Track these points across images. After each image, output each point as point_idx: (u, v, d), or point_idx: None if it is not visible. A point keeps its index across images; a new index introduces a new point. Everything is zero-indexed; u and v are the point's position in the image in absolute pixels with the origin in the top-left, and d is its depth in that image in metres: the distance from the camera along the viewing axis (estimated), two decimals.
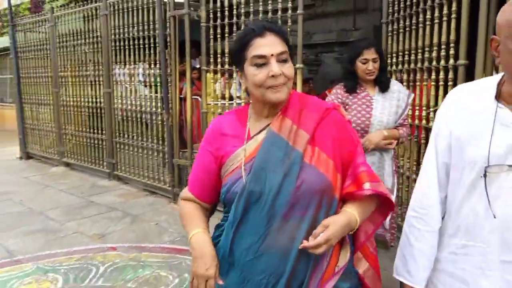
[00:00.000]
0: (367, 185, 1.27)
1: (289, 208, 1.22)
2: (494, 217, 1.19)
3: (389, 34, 3.97)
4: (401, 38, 3.78)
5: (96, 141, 6.57)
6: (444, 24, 3.14)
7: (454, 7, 3.01)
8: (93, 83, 6.46)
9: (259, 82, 1.23)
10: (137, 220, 4.55)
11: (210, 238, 1.34)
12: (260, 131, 1.32)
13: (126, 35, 5.67)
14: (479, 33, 2.85)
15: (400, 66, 3.78)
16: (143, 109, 5.67)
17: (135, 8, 5.44)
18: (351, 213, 1.26)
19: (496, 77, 1.27)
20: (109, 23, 5.91)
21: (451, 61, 3.10)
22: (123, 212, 4.79)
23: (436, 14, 3.22)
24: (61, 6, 8.70)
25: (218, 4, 4.46)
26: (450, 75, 3.11)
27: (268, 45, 1.23)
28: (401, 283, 1.42)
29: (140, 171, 5.76)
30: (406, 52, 3.69)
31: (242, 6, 4.42)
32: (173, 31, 4.85)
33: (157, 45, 5.16)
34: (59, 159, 7.36)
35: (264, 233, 1.23)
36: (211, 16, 4.57)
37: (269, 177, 1.24)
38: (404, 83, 3.55)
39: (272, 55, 1.22)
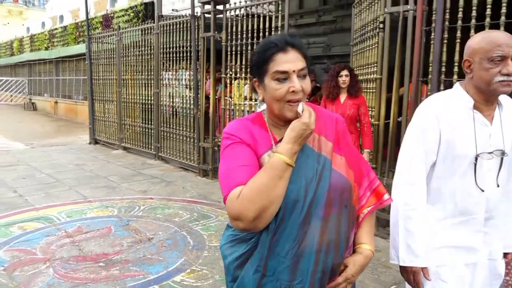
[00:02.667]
0: (386, 196, 1.42)
1: (323, 210, 1.26)
2: (482, 191, 1.60)
3: (354, 53, 5.40)
4: (358, 57, 5.20)
5: (146, 130, 8.46)
6: (374, 50, 4.54)
7: (378, 39, 4.41)
8: (146, 84, 8.35)
9: (279, 97, 1.25)
10: (170, 184, 6.29)
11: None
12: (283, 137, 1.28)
13: (171, 49, 7.46)
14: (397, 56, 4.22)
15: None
16: (182, 105, 7.44)
17: (178, 29, 7.22)
18: (367, 251, 1.37)
19: (457, 89, 1.66)
20: (159, 39, 7.76)
21: (375, 75, 4.50)
22: (161, 180, 6.57)
23: (372, 41, 4.62)
24: (126, 21, 10.83)
25: (234, 29, 6.10)
26: (373, 84, 4.51)
27: (290, 61, 1.24)
28: (402, 269, 1.68)
29: (177, 152, 7.53)
30: (361, 67, 5.10)
31: (255, 30, 6.01)
32: (203, 48, 6.56)
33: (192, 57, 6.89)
34: (119, 144, 9.37)
35: (300, 238, 1.25)
36: (228, 37, 6.21)
37: (306, 180, 1.26)
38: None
39: (293, 71, 1.24)
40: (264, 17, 5.71)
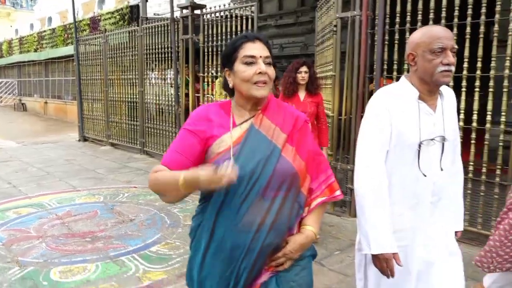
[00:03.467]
0: (338, 192, 1.57)
1: (264, 190, 1.40)
2: (425, 176, 1.72)
3: (316, 53, 5.97)
4: (320, 57, 5.77)
5: (132, 126, 8.97)
6: (331, 51, 5.09)
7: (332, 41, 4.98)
8: (131, 84, 8.85)
9: (247, 77, 1.41)
10: None
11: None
12: (243, 121, 1.48)
13: (154, 50, 7.97)
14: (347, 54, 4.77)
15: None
16: (165, 102, 7.96)
17: (160, 32, 7.74)
18: (309, 231, 1.49)
19: (403, 82, 1.78)
20: (142, 41, 8.27)
21: (331, 72, 5.06)
22: (145, 171, 7.09)
23: (328, 42, 5.19)
24: (112, 23, 11.31)
25: (210, 31, 6.64)
26: (329, 81, 5.08)
27: (257, 48, 1.43)
28: (374, 258, 1.70)
29: (160, 147, 8.06)
30: (321, 66, 5.67)
31: (228, 33, 6.55)
32: (182, 49, 7.09)
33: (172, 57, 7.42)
34: (107, 140, 9.86)
35: (243, 212, 1.38)
36: (206, 39, 6.75)
37: (252, 163, 1.40)
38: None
39: (260, 56, 1.42)
40: (239, 18, 6.22)
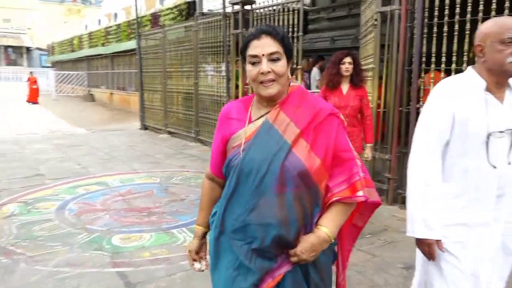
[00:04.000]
0: (360, 193, 1.44)
1: (273, 185, 1.39)
2: (495, 168, 1.68)
3: (361, 46, 6.13)
4: (362, 50, 5.93)
5: (187, 116, 9.59)
6: (372, 44, 5.25)
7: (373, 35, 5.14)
8: (186, 76, 9.45)
9: (251, 77, 1.42)
10: (205, 161, 7.34)
11: (199, 241, 1.67)
12: (259, 117, 1.48)
13: (207, 44, 8.48)
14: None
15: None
16: (218, 93, 8.45)
17: (213, 27, 8.22)
18: (321, 231, 1.43)
19: (470, 73, 1.75)
20: (197, 36, 8.80)
21: (372, 65, 5.23)
22: (197, 158, 7.64)
23: (370, 36, 5.34)
24: (171, 19, 12.00)
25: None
26: (370, 73, 5.25)
27: (261, 46, 1.39)
28: (418, 241, 1.75)
29: (212, 136, 8.55)
30: (364, 59, 5.83)
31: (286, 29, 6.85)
32: (233, 43, 7.51)
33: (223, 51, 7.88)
34: (164, 128, 10.59)
35: (251, 206, 1.40)
36: None
37: (260, 158, 1.40)
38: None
39: (263, 54, 1.39)
40: (290, 12, 6.46)
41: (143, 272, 3.22)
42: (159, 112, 10.92)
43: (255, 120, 1.49)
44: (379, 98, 5.12)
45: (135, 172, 6.54)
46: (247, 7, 7.24)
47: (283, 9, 6.63)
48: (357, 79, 4.02)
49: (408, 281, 2.67)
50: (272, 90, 1.41)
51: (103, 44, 19.73)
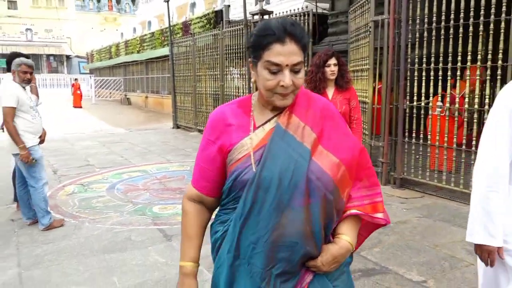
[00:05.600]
0: (380, 215, 1.34)
1: (296, 198, 1.21)
2: None
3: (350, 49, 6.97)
4: (354, 53, 6.77)
5: None
6: (366, 47, 6.09)
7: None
8: (214, 79, 10.51)
9: (269, 88, 1.22)
10: None
11: (196, 281, 1.35)
12: (266, 121, 1.30)
13: (232, 50, 9.50)
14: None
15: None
16: (240, 94, 9.45)
17: (236, 35, 9.23)
18: (344, 241, 1.29)
19: None
20: (223, 43, 9.85)
21: (367, 66, 6.07)
22: None
23: (365, 41, 6.18)
24: (200, 27, 13.13)
25: None
26: (365, 73, 6.09)
27: (285, 54, 1.18)
28: (477, 247, 1.68)
29: None
30: (356, 60, 6.67)
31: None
32: None
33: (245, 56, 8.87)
34: (195, 127, 11.71)
35: (273, 225, 1.21)
36: None
37: (280, 168, 1.22)
38: None
39: (287, 65, 1.19)
40: (307, 16, 7.42)
41: (177, 229, 4.22)
42: (190, 112, 12.05)
43: (261, 125, 1.30)
44: (379, 94, 5.92)
45: (169, 162, 7.62)
46: (266, 16, 8.20)
47: (305, 13, 7.55)
48: (342, 82, 3.69)
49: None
50: (288, 101, 1.26)
51: (138, 51, 21.19)
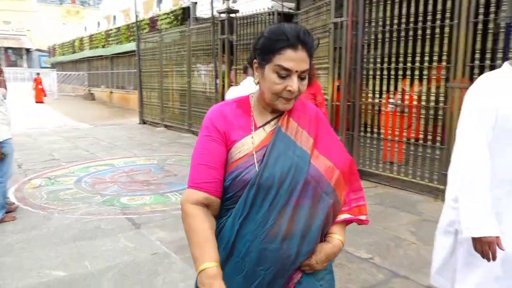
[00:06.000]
0: (364, 217, 1.41)
1: (294, 199, 1.25)
2: None
3: None
4: None
5: (181, 110, 10.78)
6: (326, 47, 6.45)
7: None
8: (180, 75, 10.64)
9: (275, 92, 1.25)
10: None
11: (222, 279, 1.21)
12: (266, 122, 1.33)
13: (199, 47, 9.67)
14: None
15: None
16: (207, 90, 9.66)
17: (203, 32, 9.42)
18: (336, 240, 1.34)
19: (508, 67, 1.78)
20: (190, 40, 10.00)
21: (327, 64, 6.43)
22: (190, 145, 8.83)
23: (324, 40, 6.54)
24: (167, 23, 13.19)
25: (243, 31, 8.19)
26: (325, 71, 6.46)
27: (296, 60, 1.21)
28: (476, 241, 1.68)
29: None
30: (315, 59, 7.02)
31: (257, 32, 8.05)
32: (220, 47, 8.71)
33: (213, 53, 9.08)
34: (161, 122, 11.80)
35: (271, 225, 1.24)
36: (239, 38, 8.32)
37: (282, 170, 1.25)
38: None
39: (296, 71, 1.23)
40: (272, 16, 7.71)
41: (145, 218, 4.42)
42: (157, 107, 12.11)
43: (261, 127, 1.33)
44: (338, 91, 6.28)
45: (136, 156, 7.74)
46: (232, 15, 8.43)
47: (262, 16, 7.84)
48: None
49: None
50: (290, 105, 1.30)
51: (103, 46, 20.89)
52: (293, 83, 1.23)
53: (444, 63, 4.88)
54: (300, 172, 1.27)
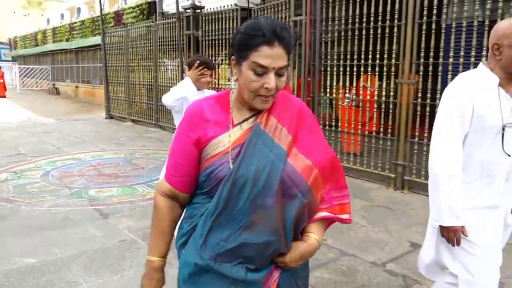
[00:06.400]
0: (347, 216, 1.40)
1: (268, 197, 1.23)
2: (509, 156, 1.84)
3: None
4: None
5: (148, 105, 10.87)
6: None
7: None
8: (147, 70, 10.72)
9: (252, 89, 1.22)
10: (162, 142, 8.71)
11: (163, 274, 1.38)
12: (244, 120, 1.31)
13: (165, 42, 9.78)
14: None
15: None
16: (174, 84, 9.77)
17: (169, 28, 9.54)
18: (312, 239, 1.33)
19: (482, 68, 1.88)
20: (156, 35, 10.09)
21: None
22: (156, 139, 8.99)
23: None
24: (133, 17, 13.17)
25: (208, 27, 8.39)
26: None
27: (272, 57, 1.18)
28: (443, 229, 1.86)
29: (171, 121, 9.91)
30: None
31: (226, 29, 8.26)
32: (186, 43, 8.87)
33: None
34: (128, 117, 11.83)
35: (244, 224, 1.23)
36: (205, 34, 8.51)
37: (256, 167, 1.23)
38: None
39: (273, 68, 1.19)
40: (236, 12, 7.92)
41: (113, 208, 4.60)
42: (123, 102, 12.13)
43: (239, 123, 1.31)
44: (299, 87, 6.61)
45: (103, 150, 7.84)
46: (198, 11, 8.60)
47: (227, 12, 8.06)
48: None
49: None
50: (268, 104, 1.29)
51: (67, 39, 20.48)
52: (270, 81, 1.21)
53: (393, 61, 5.27)
54: (275, 170, 1.25)
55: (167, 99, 3.49)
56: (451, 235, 1.84)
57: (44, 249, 3.55)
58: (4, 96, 20.23)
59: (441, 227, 1.87)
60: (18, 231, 3.94)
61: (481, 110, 1.80)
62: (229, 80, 8.53)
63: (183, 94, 3.39)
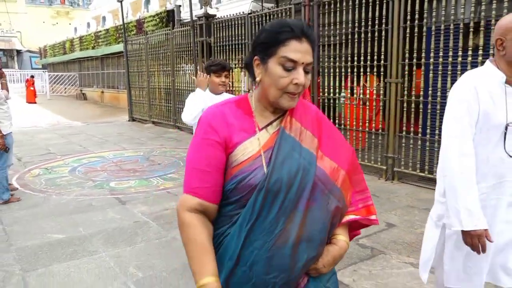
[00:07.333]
0: (374, 216, 1.37)
1: (305, 205, 1.20)
2: (510, 157, 1.77)
3: None
4: None
5: (168, 107, 11.59)
6: None
7: None
8: (166, 74, 11.45)
9: (281, 85, 1.18)
10: (180, 142, 9.37)
11: None
12: (268, 124, 1.26)
13: (182, 48, 10.48)
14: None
15: None
16: (190, 88, 10.45)
17: (185, 35, 10.22)
18: (342, 242, 1.30)
19: (489, 65, 1.83)
20: (173, 42, 10.80)
21: None
22: (174, 139, 9.66)
23: None
24: (153, 25, 13.97)
25: (220, 34, 9.02)
26: None
27: (302, 51, 1.17)
28: (466, 234, 1.71)
29: None
30: None
31: (236, 36, 8.86)
32: (200, 49, 9.52)
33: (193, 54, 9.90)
34: (149, 119, 12.60)
35: (280, 231, 1.18)
36: (217, 40, 9.14)
37: (289, 173, 1.19)
38: None
39: (302, 63, 1.17)
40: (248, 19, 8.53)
41: (130, 197, 5.25)
42: (145, 105, 12.91)
43: (265, 127, 1.26)
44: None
45: (124, 149, 8.56)
46: (210, 19, 9.24)
47: (236, 19, 8.66)
48: None
49: None
50: (295, 103, 1.24)
51: (93, 47, 21.57)
52: (300, 76, 1.17)
53: (382, 62, 5.75)
54: (307, 175, 1.21)
55: (187, 118, 3.50)
56: (475, 241, 1.70)
57: (70, 228, 4.21)
58: (35, 102, 21.47)
59: (463, 233, 1.73)
60: (49, 215, 4.62)
61: (487, 108, 1.76)
62: (242, 83, 9.10)
63: (200, 107, 3.36)
